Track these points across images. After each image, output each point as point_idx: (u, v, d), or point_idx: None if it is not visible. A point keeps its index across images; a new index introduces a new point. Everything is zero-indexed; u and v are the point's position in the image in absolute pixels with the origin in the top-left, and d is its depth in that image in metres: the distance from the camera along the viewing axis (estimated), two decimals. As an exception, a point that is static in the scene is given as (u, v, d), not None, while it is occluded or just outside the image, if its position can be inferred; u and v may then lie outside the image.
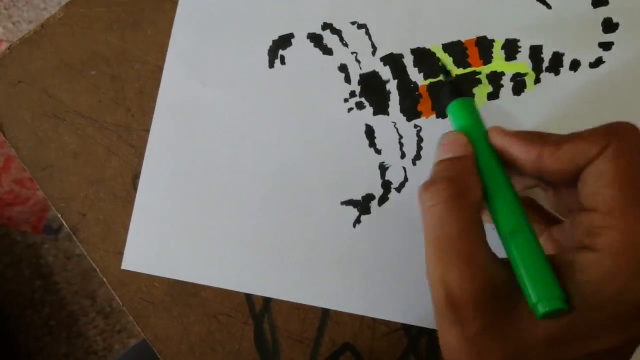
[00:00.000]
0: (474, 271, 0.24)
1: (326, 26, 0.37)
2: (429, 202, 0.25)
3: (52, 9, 1.23)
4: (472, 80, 0.36)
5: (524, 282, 0.24)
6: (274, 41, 0.37)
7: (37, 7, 1.24)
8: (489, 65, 0.36)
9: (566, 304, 0.23)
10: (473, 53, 0.36)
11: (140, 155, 0.36)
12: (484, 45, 0.36)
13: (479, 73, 0.36)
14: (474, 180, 0.26)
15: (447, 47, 0.36)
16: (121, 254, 0.36)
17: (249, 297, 0.35)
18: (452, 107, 0.30)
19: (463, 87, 0.32)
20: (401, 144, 0.36)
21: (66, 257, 1.17)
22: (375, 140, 0.36)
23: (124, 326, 1.15)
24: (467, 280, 0.24)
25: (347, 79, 0.36)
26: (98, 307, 1.16)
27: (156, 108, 0.36)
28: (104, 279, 0.35)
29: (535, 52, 0.36)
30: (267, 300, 0.35)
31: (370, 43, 0.36)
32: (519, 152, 0.26)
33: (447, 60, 0.35)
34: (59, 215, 0.36)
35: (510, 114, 0.35)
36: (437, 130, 0.36)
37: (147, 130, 0.36)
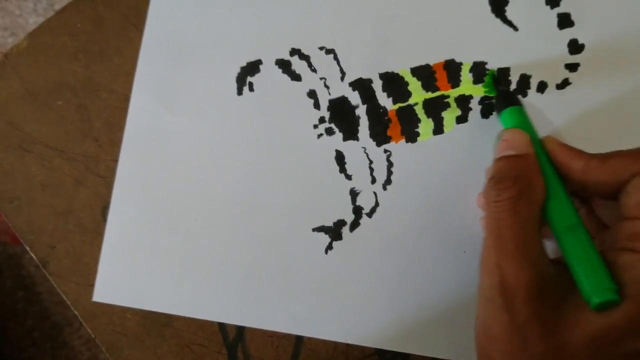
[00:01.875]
0: (529, 263, 0.25)
1: (294, 52, 0.37)
2: (496, 197, 0.27)
3: (27, 16, 1.21)
4: (441, 104, 0.36)
5: (578, 275, 0.26)
6: (242, 68, 0.36)
7: (12, 13, 1.22)
8: (457, 88, 0.36)
9: (618, 296, 0.24)
10: (441, 77, 0.36)
11: (109, 186, 0.36)
12: (452, 69, 0.36)
13: (448, 97, 0.36)
14: (539, 179, 0.28)
15: (415, 71, 0.36)
16: (92, 286, 0.35)
17: (222, 326, 0.35)
18: (505, 115, 0.32)
19: (514, 96, 0.34)
20: (371, 169, 0.36)
21: (48, 267, 1.16)
22: (346, 166, 0.36)
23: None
24: (521, 270, 0.25)
25: (317, 105, 0.36)
26: (82, 316, 1.15)
27: (124, 137, 0.36)
28: (75, 312, 0.35)
29: (503, 75, 0.36)
30: (240, 329, 0.35)
31: (339, 68, 0.36)
32: (570, 160, 0.29)
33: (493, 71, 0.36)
34: (28, 249, 0.35)
35: (479, 137, 0.36)
36: (407, 154, 0.36)
37: (116, 160, 0.36)
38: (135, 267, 0.36)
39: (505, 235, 0.26)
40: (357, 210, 0.36)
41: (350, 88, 0.36)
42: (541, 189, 0.28)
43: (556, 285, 0.26)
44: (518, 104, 0.33)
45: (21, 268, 1.15)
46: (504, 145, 0.30)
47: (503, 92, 0.34)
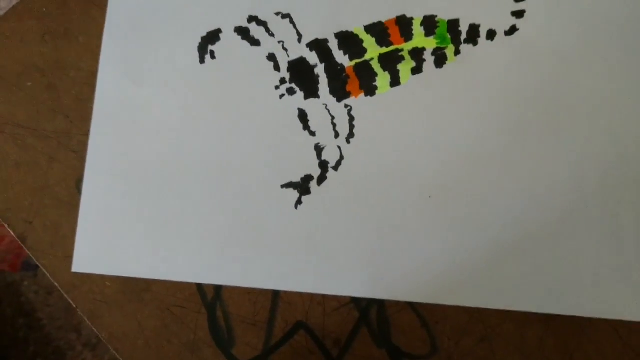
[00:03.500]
0: None
1: (252, 19, 0.38)
2: None
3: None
4: (396, 57, 0.37)
5: None
6: (202, 37, 0.38)
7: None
8: (410, 42, 0.38)
9: None
10: (394, 32, 0.38)
11: (82, 159, 0.37)
12: (404, 24, 0.38)
13: (402, 50, 0.37)
14: None
15: (369, 29, 0.38)
16: (70, 257, 0.36)
17: (200, 286, 0.36)
18: None
19: None
20: (334, 124, 0.37)
21: (47, 293, 1.16)
22: (309, 123, 0.37)
23: (113, 357, 1.14)
24: None
25: (277, 67, 0.38)
26: (84, 339, 1.14)
27: (94, 112, 0.37)
28: (56, 284, 0.36)
29: (453, 26, 0.37)
30: (218, 288, 0.36)
31: (295, 31, 0.38)
32: None
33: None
34: (6, 225, 0.36)
35: (434, 86, 0.37)
36: (367, 108, 0.37)
37: (87, 135, 0.37)
38: (111, 236, 0.37)
39: None
40: (323, 165, 0.37)
41: (308, 49, 0.38)
42: None
43: None
44: None
45: (20, 295, 1.15)
46: None
47: None
